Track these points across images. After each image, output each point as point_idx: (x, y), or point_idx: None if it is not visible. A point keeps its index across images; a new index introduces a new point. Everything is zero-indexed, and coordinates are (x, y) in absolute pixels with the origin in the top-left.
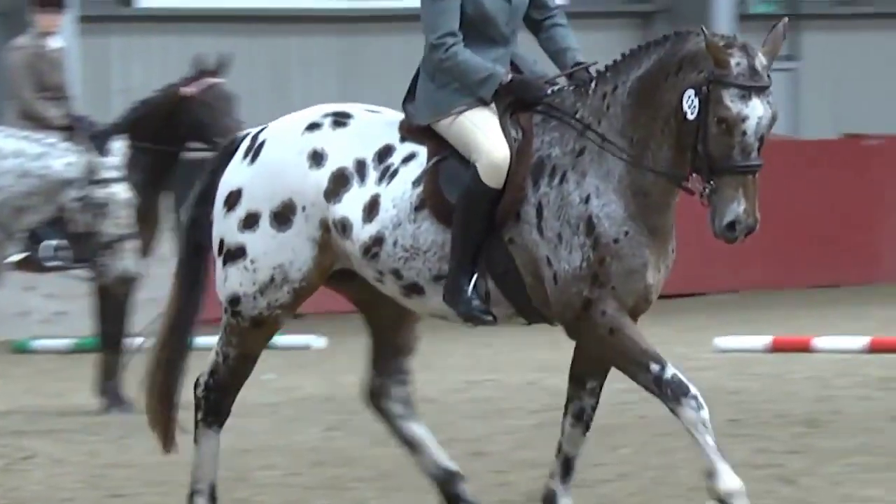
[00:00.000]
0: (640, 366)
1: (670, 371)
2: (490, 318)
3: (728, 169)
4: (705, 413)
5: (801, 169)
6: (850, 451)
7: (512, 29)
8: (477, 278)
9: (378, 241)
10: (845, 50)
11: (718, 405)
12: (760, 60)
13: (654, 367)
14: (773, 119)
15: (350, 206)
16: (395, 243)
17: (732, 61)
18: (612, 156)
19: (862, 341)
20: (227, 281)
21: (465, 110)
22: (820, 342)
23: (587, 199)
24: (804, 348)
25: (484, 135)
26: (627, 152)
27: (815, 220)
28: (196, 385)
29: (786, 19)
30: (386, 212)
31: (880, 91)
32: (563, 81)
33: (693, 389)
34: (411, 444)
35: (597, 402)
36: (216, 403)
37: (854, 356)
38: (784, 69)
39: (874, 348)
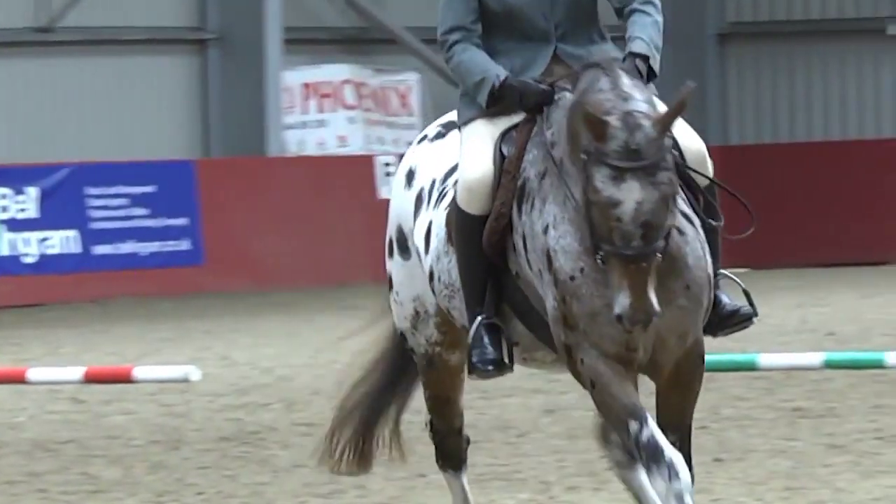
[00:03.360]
0: (620, 423)
1: (647, 432)
2: (492, 369)
3: (609, 253)
4: (680, 483)
5: None
6: None
7: (557, 21)
8: (495, 320)
9: (431, 275)
10: None
11: None
12: (646, 133)
13: (633, 426)
14: (665, 200)
15: (418, 232)
16: (439, 279)
17: (609, 133)
18: (569, 179)
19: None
20: (394, 316)
21: (471, 120)
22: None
23: (546, 230)
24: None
25: (466, 151)
26: (578, 178)
27: None
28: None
29: (691, 84)
30: (433, 241)
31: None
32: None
33: (668, 455)
34: (632, 492)
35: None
36: (440, 447)
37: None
38: None
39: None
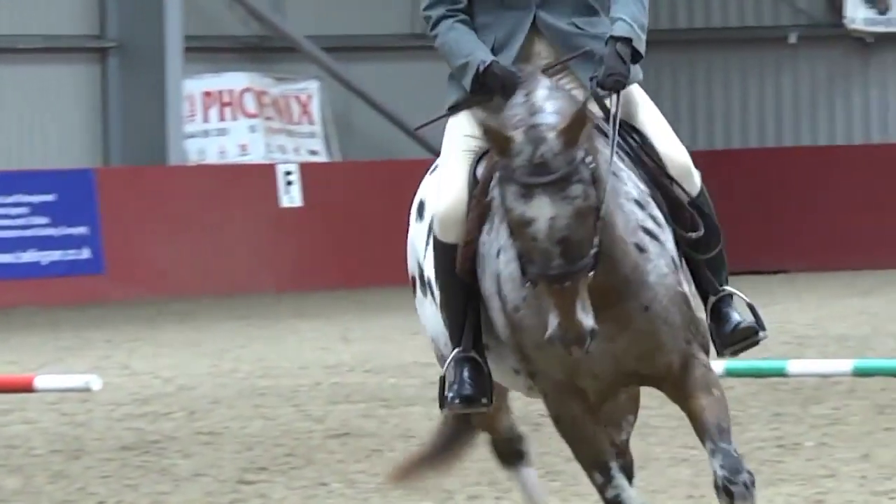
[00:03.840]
0: (585, 468)
1: (612, 492)
2: (458, 403)
3: (533, 274)
4: None
5: None
6: None
7: None
8: (472, 354)
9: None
10: None
11: None
12: (550, 146)
13: (597, 479)
14: (580, 214)
15: (427, 266)
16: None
17: (513, 148)
18: None
19: None
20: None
21: (452, 112)
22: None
23: (498, 254)
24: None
25: (442, 175)
26: None
27: None
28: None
29: (586, 94)
30: None
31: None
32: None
33: None
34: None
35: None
36: (494, 450)
37: None
38: None
39: None
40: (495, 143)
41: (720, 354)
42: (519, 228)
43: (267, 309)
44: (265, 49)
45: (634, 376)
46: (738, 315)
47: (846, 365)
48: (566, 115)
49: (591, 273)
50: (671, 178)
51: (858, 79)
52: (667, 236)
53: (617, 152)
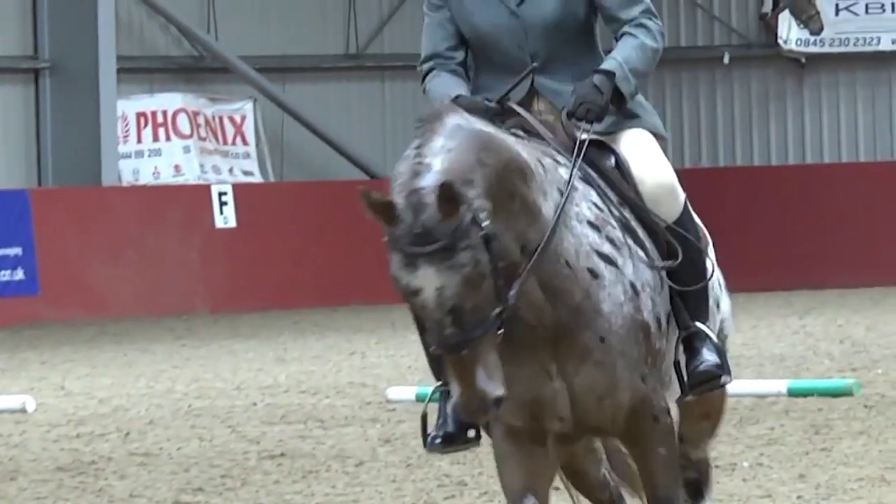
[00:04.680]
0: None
1: None
2: (441, 445)
3: (429, 343)
4: None
5: None
6: None
7: (533, 51)
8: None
9: None
10: None
11: None
12: (431, 214)
13: None
14: (470, 282)
15: None
16: None
17: (394, 215)
18: None
19: None
20: None
21: None
22: None
23: None
24: None
25: None
26: None
27: None
28: None
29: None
30: None
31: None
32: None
33: None
34: None
35: None
36: None
37: None
38: None
39: None
40: (375, 212)
41: (683, 393)
42: (407, 298)
43: (202, 329)
44: (199, 69)
45: (599, 414)
46: (706, 354)
47: (782, 385)
48: (454, 174)
49: (500, 332)
50: (642, 202)
51: (793, 99)
52: (627, 261)
53: (579, 175)
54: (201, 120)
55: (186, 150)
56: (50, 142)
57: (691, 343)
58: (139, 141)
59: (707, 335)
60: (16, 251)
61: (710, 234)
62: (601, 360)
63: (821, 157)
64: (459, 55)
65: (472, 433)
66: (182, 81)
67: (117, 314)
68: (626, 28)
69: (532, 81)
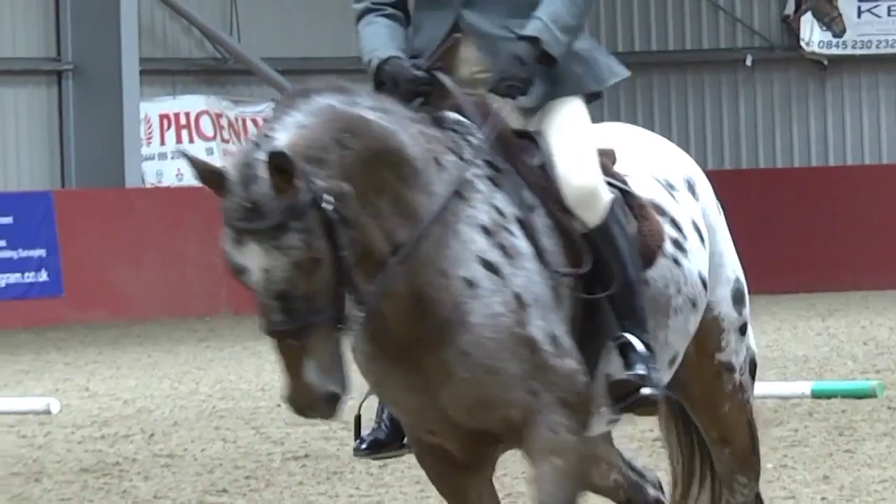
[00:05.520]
0: None
1: None
2: (366, 450)
3: (260, 327)
4: None
5: None
6: None
7: None
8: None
9: None
10: None
11: None
12: (262, 189)
13: None
14: (300, 267)
15: None
16: None
17: (226, 186)
18: None
19: None
20: None
21: None
22: None
23: None
24: None
25: None
26: None
27: None
28: None
29: (277, 152)
30: None
31: None
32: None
33: None
34: None
35: None
36: None
37: None
38: None
39: None
40: (205, 180)
41: (612, 409)
42: (235, 276)
43: (225, 331)
44: (221, 71)
45: (477, 432)
46: (630, 366)
47: (805, 387)
48: (297, 149)
49: (340, 327)
50: (564, 204)
51: (815, 101)
52: (517, 271)
53: (485, 176)
54: (224, 122)
55: (209, 151)
56: (73, 144)
57: (627, 353)
58: (162, 143)
59: (633, 345)
60: (39, 253)
61: (732, 235)
62: (465, 377)
63: (843, 159)
64: None
65: (405, 441)
66: (205, 83)
67: (141, 316)
68: None
69: (458, 19)
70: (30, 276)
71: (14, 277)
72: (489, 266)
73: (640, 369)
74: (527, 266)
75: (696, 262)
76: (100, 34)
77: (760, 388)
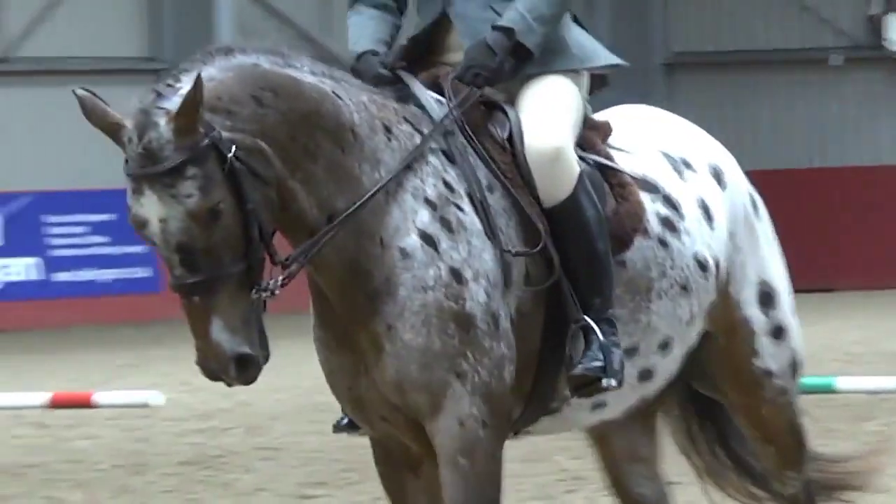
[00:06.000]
0: None
1: None
2: (347, 426)
3: (168, 281)
4: None
5: None
6: None
7: None
8: None
9: None
10: None
11: None
12: (159, 133)
13: None
14: (195, 217)
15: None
16: None
17: (122, 135)
18: None
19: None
20: None
21: None
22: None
23: None
24: None
25: None
26: None
27: None
28: None
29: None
30: None
31: None
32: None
33: None
34: None
35: None
36: None
37: None
38: None
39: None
40: (105, 131)
41: (571, 395)
42: (138, 231)
43: None
44: None
45: (403, 414)
46: (589, 354)
47: (894, 382)
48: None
49: (256, 291)
50: (527, 181)
51: None
52: (458, 245)
53: (442, 150)
54: None
55: None
56: None
57: (592, 339)
58: None
59: (594, 330)
60: (140, 249)
61: (821, 233)
62: (391, 351)
63: None
64: None
65: (343, 429)
66: None
67: None
68: None
69: (442, 9)
70: (130, 273)
71: (114, 273)
72: (427, 239)
73: (597, 360)
74: (472, 242)
75: (692, 243)
76: (197, 33)
77: (849, 382)
